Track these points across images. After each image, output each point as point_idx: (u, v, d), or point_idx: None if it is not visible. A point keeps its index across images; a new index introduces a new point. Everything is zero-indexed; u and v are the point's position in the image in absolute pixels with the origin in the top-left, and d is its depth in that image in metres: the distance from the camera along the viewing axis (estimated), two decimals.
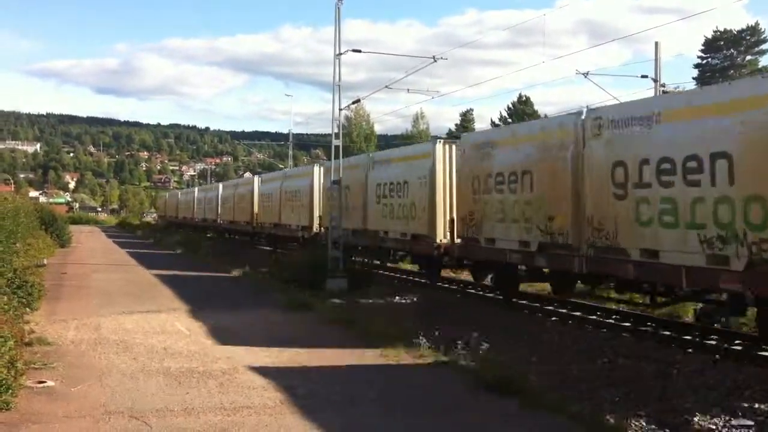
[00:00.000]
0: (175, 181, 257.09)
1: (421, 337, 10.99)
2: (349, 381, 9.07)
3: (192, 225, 55.33)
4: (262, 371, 9.33)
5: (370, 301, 16.85)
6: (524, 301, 16.96)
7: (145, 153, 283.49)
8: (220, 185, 50.65)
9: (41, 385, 8.41)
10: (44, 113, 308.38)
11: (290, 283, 18.76)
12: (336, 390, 8.50)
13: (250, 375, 9.16)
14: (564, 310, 15.66)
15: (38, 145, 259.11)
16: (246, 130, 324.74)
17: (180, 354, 10.47)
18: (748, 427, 7.46)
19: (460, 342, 11.03)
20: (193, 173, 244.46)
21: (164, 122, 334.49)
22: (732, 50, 67.32)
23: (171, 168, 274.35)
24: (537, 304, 16.54)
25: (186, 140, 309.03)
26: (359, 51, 22.27)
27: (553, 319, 14.87)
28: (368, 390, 8.58)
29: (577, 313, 15.11)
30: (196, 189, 53.59)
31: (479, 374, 8.82)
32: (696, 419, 7.71)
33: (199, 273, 23.91)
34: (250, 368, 9.52)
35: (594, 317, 14.73)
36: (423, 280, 21.58)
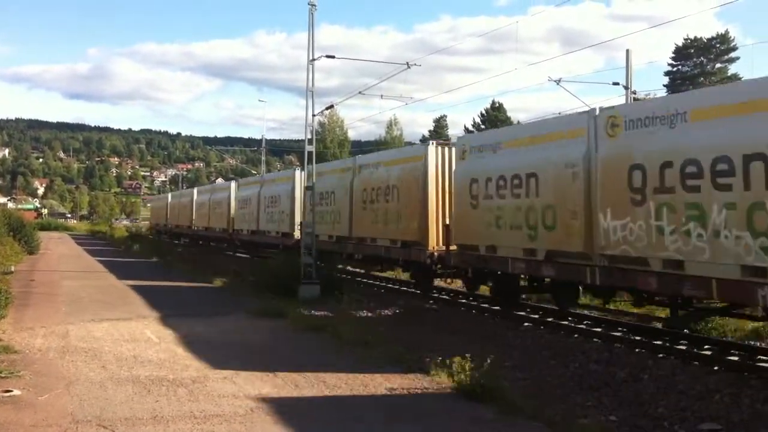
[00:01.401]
0: (146, 187, 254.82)
1: (397, 345, 10.97)
2: (322, 388, 9.01)
3: (189, 235, 48.64)
4: (233, 379, 9.25)
5: (348, 308, 16.63)
6: (496, 307, 17.00)
7: (116, 158, 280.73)
8: (195, 190, 49.61)
9: (7, 394, 8.24)
10: (13, 118, 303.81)
11: (263, 291, 18.62)
12: (308, 398, 8.44)
13: (221, 383, 9.06)
14: (536, 316, 15.72)
15: (6, 151, 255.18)
16: (219, 136, 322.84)
17: (150, 362, 10.33)
18: (717, 430, 7.53)
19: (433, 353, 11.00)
20: (164, 179, 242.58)
21: (135, 127, 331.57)
22: (702, 58, 68.23)
23: (142, 174, 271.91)
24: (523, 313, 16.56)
25: (157, 146, 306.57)
26: (333, 57, 22.21)
27: (526, 324, 14.91)
28: (342, 397, 8.53)
29: (549, 319, 15.16)
30: (195, 190, 49.31)
31: (455, 380, 8.81)
32: (666, 423, 7.77)
33: (171, 281, 23.66)
34: (220, 376, 9.42)
35: (566, 323, 14.79)
36: (405, 288, 21.37)
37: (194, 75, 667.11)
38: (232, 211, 37.24)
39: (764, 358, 11.10)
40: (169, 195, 54.87)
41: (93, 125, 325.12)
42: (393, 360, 10.46)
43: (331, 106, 30.85)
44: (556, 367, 10.60)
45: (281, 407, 7.93)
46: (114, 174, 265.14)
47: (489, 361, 8.88)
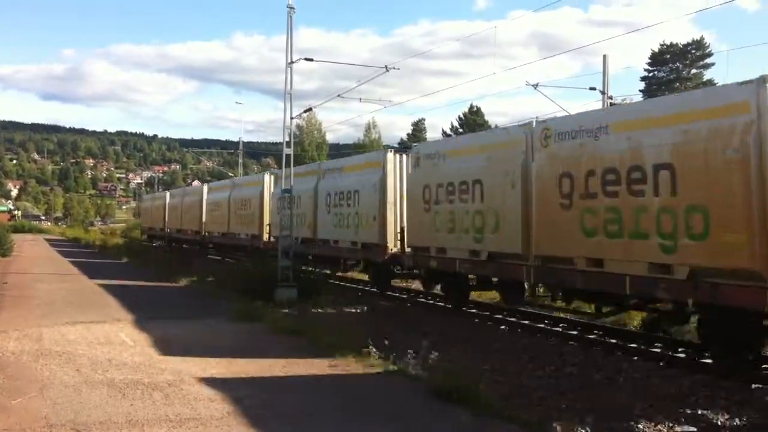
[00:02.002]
0: (121, 189, 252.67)
1: (371, 347, 10.96)
2: (298, 391, 8.98)
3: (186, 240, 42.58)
4: (209, 382, 9.17)
5: (320, 310, 16.73)
6: (474, 310, 17.07)
7: (91, 160, 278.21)
8: (167, 193, 49.78)
9: None
10: None
11: (239, 293, 18.52)
12: (285, 400, 8.40)
13: (197, 386, 8.99)
14: (513, 319, 15.79)
15: None
16: (195, 138, 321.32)
17: (125, 365, 10.23)
18: None
19: (411, 352, 11.00)
20: (140, 181, 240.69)
21: (111, 129, 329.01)
22: (678, 63, 69.10)
23: (117, 176, 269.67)
24: (487, 313, 16.65)
25: (133, 147, 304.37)
26: (311, 60, 22.20)
27: (503, 327, 14.98)
28: (318, 400, 8.50)
29: (526, 322, 15.24)
30: (205, 187, 41.43)
31: (432, 384, 8.82)
32: (641, 426, 7.83)
33: (146, 283, 23.46)
34: (196, 379, 9.34)
35: (542, 325, 14.88)
36: (375, 290, 21.51)
37: (171, 77, 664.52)
38: (204, 213, 37.80)
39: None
40: (167, 194, 48.57)
41: (68, 127, 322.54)
42: (366, 363, 10.44)
43: (310, 109, 30.83)
44: (532, 370, 10.65)
45: (259, 411, 7.88)
46: (89, 176, 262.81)
47: (466, 362, 8.89)
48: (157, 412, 7.75)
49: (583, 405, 8.72)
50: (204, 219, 37.79)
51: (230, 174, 69.97)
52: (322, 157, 67.82)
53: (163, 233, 46.55)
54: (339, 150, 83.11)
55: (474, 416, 7.71)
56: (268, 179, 28.86)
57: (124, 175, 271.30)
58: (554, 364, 10.96)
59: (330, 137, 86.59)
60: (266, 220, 27.97)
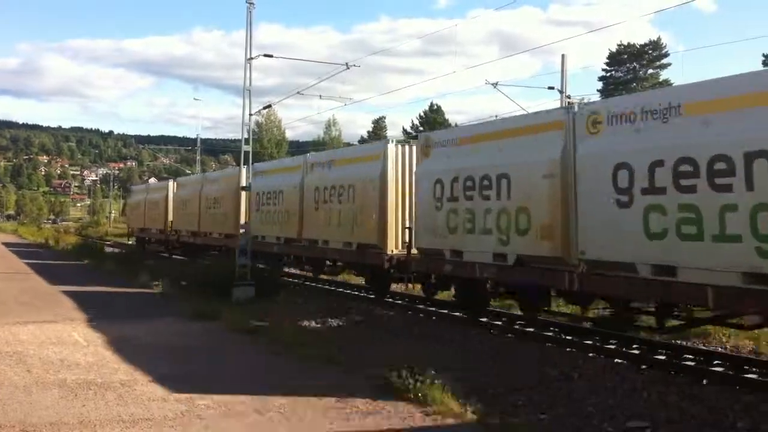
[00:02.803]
0: (76, 186, 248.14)
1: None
2: (254, 391, 8.90)
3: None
4: (163, 382, 9.04)
5: (308, 323, 15.16)
6: (433, 308, 17.12)
7: (45, 157, 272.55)
8: (171, 183, 42.44)
9: None
10: None
11: (197, 293, 18.29)
12: (240, 400, 8.33)
13: (151, 386, 8.87)
14: (457, 313, 15.86)
15: None
16: (152, 135, 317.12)
17: (77, 365, 10.04)
18: (644, 428, 7.71)
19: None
20: (95, 178, 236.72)
21: (65, 125, 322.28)
22: (635, 64, 70.15)
23: (72, 173, 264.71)
24: (445, 311, 16.72)
25: (88, 144, 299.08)
26: (271, 56, 22.14)
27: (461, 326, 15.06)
28: (272, 394, 8.44)
29: (483, 319, 15.32)
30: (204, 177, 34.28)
31: (387, 380, 8.82)
32: (596, 421, 7.93)
33: (102, 283, 23.04)
34: (150, 379, 9.21)
35: (499, 323, 14.99)
36: (356, 293, 21.08)
37: (127, 72, 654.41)
38: (170, 211, 35.37)
39: (690, 356, 11.48)
40: (171, 184, 37.60)
41: (21, 122, 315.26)
42: (326, 360, 10.43)
43: (269, 106, 30.74)
44: (490, 368, 10.71)
45: (214, 411, 7.80)
46: (42, 173, 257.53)
47: (422, 360, 8.91)
48: (110, 412, 7.63)
49: (540, 401, 8.79)
50: (170, 217, 34.80)
51: (188, 171, 69.05)
52: (281, 154, 67.47)
53: (166, 236, 35.49)
54: (299, 147, 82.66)
55: (432, 414, 7.74)
56: (245, 173, 26.23)
57: (78, 172, 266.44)
58: (511, 362, 11.04)
59: (290, 134, 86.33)
60: (243, 218, 24.60)
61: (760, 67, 47.41)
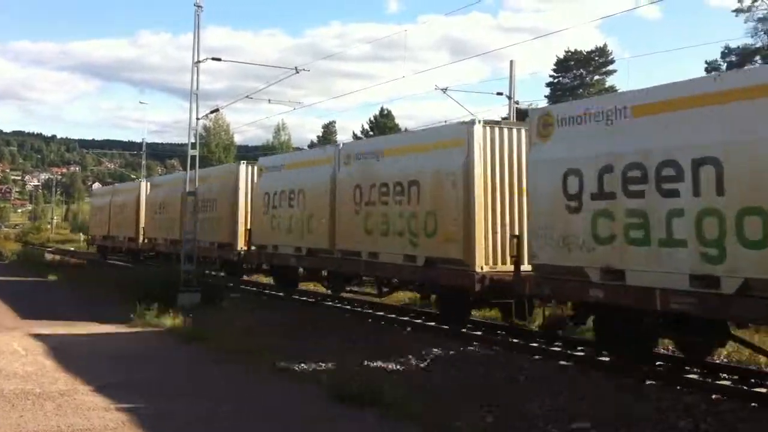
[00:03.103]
0: (17, 191, 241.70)
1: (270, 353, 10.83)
2: (198, 397, 8.76)
3: None
4: (104, 391, 8.82)
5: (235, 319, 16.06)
6: (381, 312, 17.13)
7: None
8: (143, 183, 38.62)
9: None
10: None
11: (142, 299, 17.91)
12: (182, 408, 8.17)
13: (91, 396, 8.64)
14: (419, 321, 15.92)
15: None
16: (97, 139, 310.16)
17: (15, 375, 9.73)
18: (586, 429, 7.80)
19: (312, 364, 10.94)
20: (36, 183, 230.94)
21: (6, 129, 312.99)
22: (582, 70, 71.26)
23: (13, 178, 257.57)
24: (393, 316, 16.73)
25: (30, 148, 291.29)
26: (219, 59, 21.84)
27: (409, 329, 15.09)
28: (217, 404, 8.31)
29: (431, 324, 15.38)
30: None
31: (337, 387, 8.78)
32: (540, 423, 8.00)
33: (44, 290, 22.44)
34: (91, 389, 8.98)
35: (447, 327, 15.04)
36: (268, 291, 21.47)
37: (71, 75, 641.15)
38: (143, 217, 31.57)
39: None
40: (143, 184, 33.66)
41: None
42: (274, 368, 10.33)
43: (217, 110, 30.44)
44: (436, 371, 10.73)
45: (156, 420, 7.65)
46: None
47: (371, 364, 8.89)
48: (48, 423, 7.41)
49: (486, 403, 8.83)
50: (143, 223, 31.20)
51: (132, 176, 67.52)
52: (229, 158, 66.69)
53: (137, 245, 31.41)
54: (248, 152, 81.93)
55: (379, 417, 7.72)
56: (243, 171, 23.28)
57: (20, 177, 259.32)
58: (457, 364, 11.09)
59: (238, 139, 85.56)
60: (241, 225, 22.80)
61: (702, 74, 48.80)
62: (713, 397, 9.11)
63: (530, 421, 8.08)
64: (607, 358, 11.67)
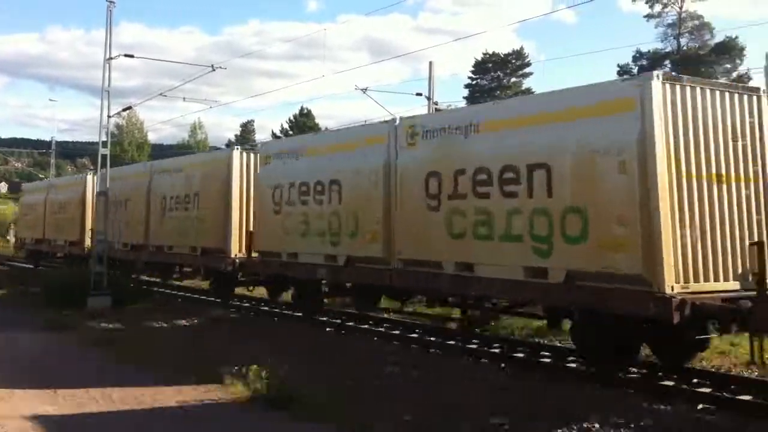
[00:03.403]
0: None
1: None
2: (107, 404, 8.46)
3: None
4: (8, 398, 8.51)
5: (154, 324, 15.34)
6: (300, 314, 16.97)
7: None
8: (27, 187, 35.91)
9: None
10: None
11: (50, 302, 17.25)
12: (91, 413, 7.88)
13: None
14: (338, 321, 15.87)
15: None
16: (3, 137, 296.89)
17: None
18: (503, 424, 7.88)
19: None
20: None
21: None
22: (499, 72, 72.70)
23: None
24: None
25: None
26: (132, 56, 21.36)
27: (328, 330, 15.02)
28: (125, 410, 8.06)
29: (351, 323, 15.35)
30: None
31: (251, 389, 8.64)
32: (459, 419, 8.02)
33: None
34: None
35: (366, 327, 15.06)
36: (204, 298, 20.68)
37: None
38: (89, 217, 26.27)
39: (546, 353, 11.94)
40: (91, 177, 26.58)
41: None
42: (185, 372, 10.09)
43: (130, 108, 29.62)
44: (355, 371, 10.66)
45: (62, 427, 7.34)
46: None
47: (287, 367, 8.79)
48: None
49: (404, 402, 8.83)
50: (89, 224, 25.00)
51: (40, 176, 64.59)
52: (143, 157, 65.04)
53: (82, 250, 26.15)
54: (163, 150, 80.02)
55: (293, 419, 7.64)
56: (238, 159, 18.26)
57: None
58: (377, 364, 11.05)
59: (153, 137, 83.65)
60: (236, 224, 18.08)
61: (615, 76, 50.53)
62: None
63: (448, 417, 8.06)
64: (522, 354, 11.93)
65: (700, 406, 8.50)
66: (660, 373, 10.29)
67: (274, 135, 75.71)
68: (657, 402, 8.51)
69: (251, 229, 17.13)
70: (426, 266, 12.16)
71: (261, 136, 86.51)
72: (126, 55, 20.82)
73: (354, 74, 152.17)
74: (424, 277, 12.29)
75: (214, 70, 21.96)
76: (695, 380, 9.89)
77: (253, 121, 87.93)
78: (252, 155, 18.17)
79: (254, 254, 16.69)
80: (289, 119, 79.21)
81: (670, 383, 9.76)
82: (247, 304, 19.18)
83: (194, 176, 19.31)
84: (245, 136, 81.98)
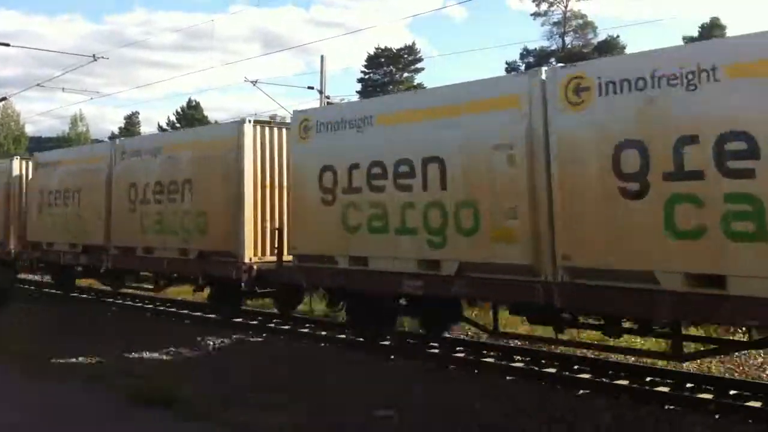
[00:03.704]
0: None
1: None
2: None
3: None
4: None
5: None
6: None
7: None
8: None
9: None
10: None
11: None
12: None
13: None
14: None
15: None
16: None
17: None
18: (389, 416, 7.88)
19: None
20: None
21: None
22: (392, 67, 73.23)
23: None
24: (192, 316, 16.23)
25: None
26: (8, 45, 20.41)
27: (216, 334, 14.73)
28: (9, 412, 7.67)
29: (239, 319, 15.09)
30: None
31: (130, 388, 8.41)
32: (346, 412, 8.00)
33: None
34: None
35: (255, 322, 14.87)
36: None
37: None
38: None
39: (435, 344, 12.09)
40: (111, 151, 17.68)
41: None
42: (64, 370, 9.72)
43: (5, 98, 28.11)
44: (236, 371, 10.47)
45: None
46: None
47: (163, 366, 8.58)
48: None
49: (291, 399, 8.74)
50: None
51: None
52: (20, 149, 61.69)
53: (11, 254, 20.91)
54: (40, 143, 76.23)
55: (174, 419, 7.49)
56: (251, 135, 13.95)
57: None
58: (261, 361, 10.93)
59: (30, 129, 79.18)
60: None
61: (503, 73, 52.04)
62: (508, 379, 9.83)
63: (336, 411, 8.01)
64: (412, 343, 12.12)
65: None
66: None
67: (160, 128, 73.54)
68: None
69: (276, 225, 13.40)
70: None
71: (146, 128, 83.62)
72: (1, 44, 19.90)
73: (246, 66, 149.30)
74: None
75: (95, 59, 21.32)
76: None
77: (138, 113, 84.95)
78: (271, 129, 14.27)
79: (287, 258, 12.61)
80: (177, 111, 77.22)
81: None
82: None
83: (182, 159, 14.74)
84: (129, 129, 79.16)
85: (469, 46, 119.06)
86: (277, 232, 12.99)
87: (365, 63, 73.91)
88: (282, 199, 13.71)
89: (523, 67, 57.94)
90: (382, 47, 73.02)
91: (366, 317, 11.98)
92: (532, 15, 64.14)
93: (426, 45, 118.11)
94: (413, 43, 74.81)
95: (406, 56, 73.29)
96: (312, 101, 47.43)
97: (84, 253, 17.22)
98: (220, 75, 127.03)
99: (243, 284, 13.39)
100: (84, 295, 20.43)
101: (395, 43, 75.14)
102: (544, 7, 62.85)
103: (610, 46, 57.54)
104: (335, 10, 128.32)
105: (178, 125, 70.10)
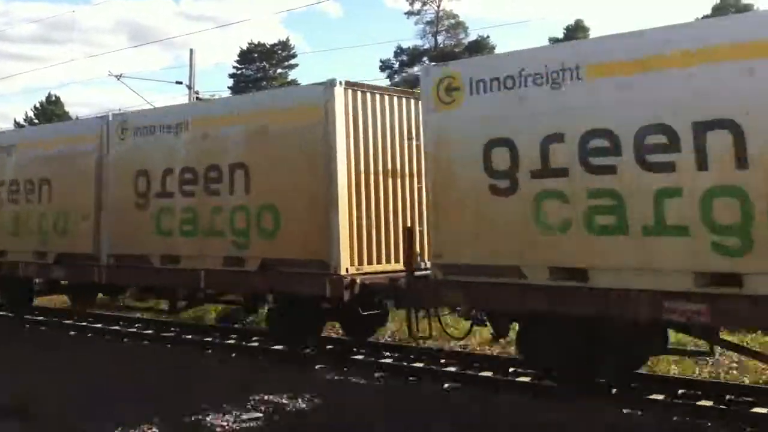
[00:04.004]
0: None
1: None
2: None
3: None
4: None
5: None
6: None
7: None
8: None
9: None
10: None
11: None
12: None
13: None
14: (84, 323, 14.77)
15: None
16: None
17: None
18: (257, 419, 7.72)
19: None
20: None
21: None
22: (265, 63, 72.13)
23: None
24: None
25: None
26: None
27: (72, 333, 13.93)
28: None
29: (99, 325, 14.36)
30: None
31: None
32: (209, 418, 7.73)
33: None
34: None
35: (117, 327, 14.19)
36: None
37: None
38: None
39: (331, 341, 12.01)
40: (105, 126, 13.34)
41: None
42: None
43: None
44: (95, 378, 9.89)
45: None
46: None
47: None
48: None
49: (153, 406, 8.32)
50: None
51: None
52: None
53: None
54: None
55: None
56: (342, 103, 10.29)
57: None
58: (120, 367, 10.40)
59: None
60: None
61: (377, 72, 52.80)
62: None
63: (200, 416, 7.74)
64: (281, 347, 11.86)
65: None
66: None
67: (17, 124, 69.09)
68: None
69: (407, 224, 10.44)
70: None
71: (2, 125, 78.45)
72: None
73: (112, 59, 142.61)
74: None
75: None
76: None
77: None
78: (373, 96, 10.57)
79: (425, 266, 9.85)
80: (35, 107, 72.93)
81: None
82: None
83: (227, 136, 11.11)
84: None
85: (344, 43, 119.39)
86: (407, 233, 9.93)
87: (238, 58, 72.51)
88: (395, 190, 10.57)
89: (397, 66, 58.83)
90: (256, 42, 71.86)
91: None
92: (405, 14, 65.18)
93: (301, 41, 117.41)
94: (287, 39, 73.91)
95: (280, 52, 72.35)
96: (180, 97, 45.99)
97: (58, 264, 13.39)
98: (84, 68, 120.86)
99: (339, 303, 10.14)
100: (41, 317, 15.95)
101: (269, 39, 74.35)
102: (417, 6, 64.04)
103: (481, 46, 59.29)
104: (206, 2, 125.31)
105: (36, 121, 66.17)
